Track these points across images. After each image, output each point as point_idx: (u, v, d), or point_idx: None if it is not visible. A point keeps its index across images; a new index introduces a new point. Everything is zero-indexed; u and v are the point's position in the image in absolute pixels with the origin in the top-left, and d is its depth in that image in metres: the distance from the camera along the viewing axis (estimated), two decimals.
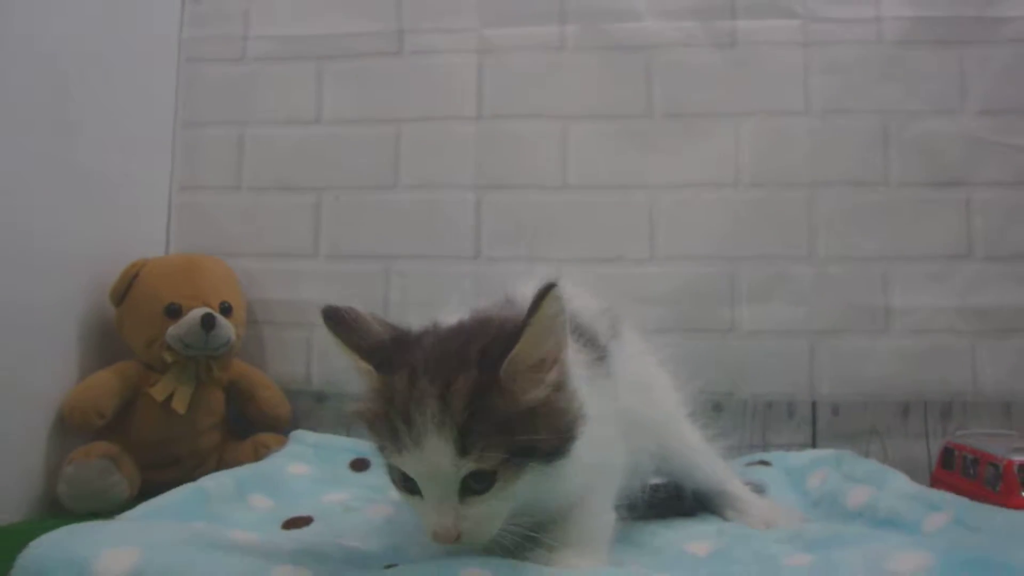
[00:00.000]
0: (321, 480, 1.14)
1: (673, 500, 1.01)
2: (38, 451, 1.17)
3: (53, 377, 1.21)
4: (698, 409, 1.02)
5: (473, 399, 0.63)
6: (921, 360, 1.35)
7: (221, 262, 1.41)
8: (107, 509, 1.07)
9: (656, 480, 0.99)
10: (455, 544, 0.65)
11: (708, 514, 1.02)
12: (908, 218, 1.38)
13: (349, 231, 1.48)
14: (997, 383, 1.34)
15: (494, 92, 1.46)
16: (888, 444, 1.35)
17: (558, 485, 0.68)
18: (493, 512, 0.66)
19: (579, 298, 0.84)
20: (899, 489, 0.96)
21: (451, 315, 0.75)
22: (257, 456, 1.25)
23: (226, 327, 1.29)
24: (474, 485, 0.64)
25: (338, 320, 0.70)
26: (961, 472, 1.09)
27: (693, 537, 0.89)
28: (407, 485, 0.68)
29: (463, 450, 0.63)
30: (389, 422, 0.65)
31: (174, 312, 1.27)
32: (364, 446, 1.15)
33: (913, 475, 1.03)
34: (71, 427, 1.19)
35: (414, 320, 0.75)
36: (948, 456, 1.15)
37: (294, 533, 0.90)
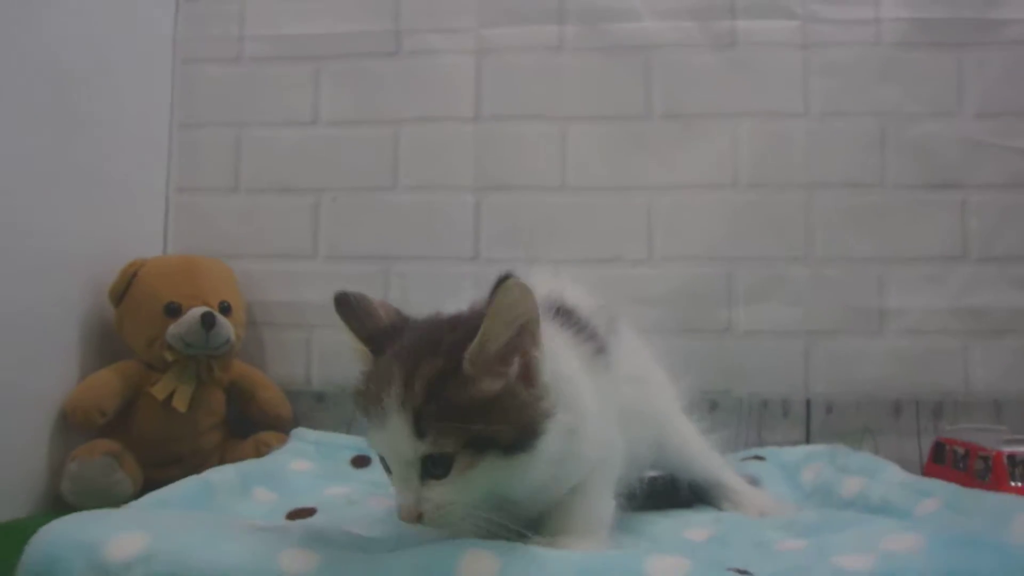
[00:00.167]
0: (323, 475, 1.14)
1: (670, 492, 1.02)
2: (41, 449, 1.18)
3: (54, 376, 1.22)
4: (695, 406, 1.04)
5: (434, 384, 0.65)
6: (914, 360, 1.37)
7: (220, 262, 1.42)
8: (110, 506, 1.06)
9: (653, 473, 1.00)
10: (419, 525, 0.67)
11: (704, 505, 1.03)
12: (904, 220, 1.39)
13: (348, 232, 1.48)
14: (988, 383, 1.35)
15: (493, 93, 1.47)
16: (880, 442, 1.36)
17: (524, 479, 0.68)
18: (453, 498, 0.67)
19: (577, 295, 0.86)
20: (891, 478, 0.98)
21: (454, 306, 0.77)
22: (259, 454, 1.26)
23: (226, 326, 1.30)
24: (433, 469, 0.66)
25: (347, 305, 0.75)
26: (952, 465, 1.12)
27: (691, 525, 0.91)
28: (385, 465, 0.71)
29: (419, 432, 0.65)
30: (366, 401, 0.69)
31: (174, 311, 1.28)
32: (365, 444, 1.16)
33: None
34: (73, 425, 1.20)
35: None
36: (939, 450, 1.17)
37: (299, 523, 0.91)
